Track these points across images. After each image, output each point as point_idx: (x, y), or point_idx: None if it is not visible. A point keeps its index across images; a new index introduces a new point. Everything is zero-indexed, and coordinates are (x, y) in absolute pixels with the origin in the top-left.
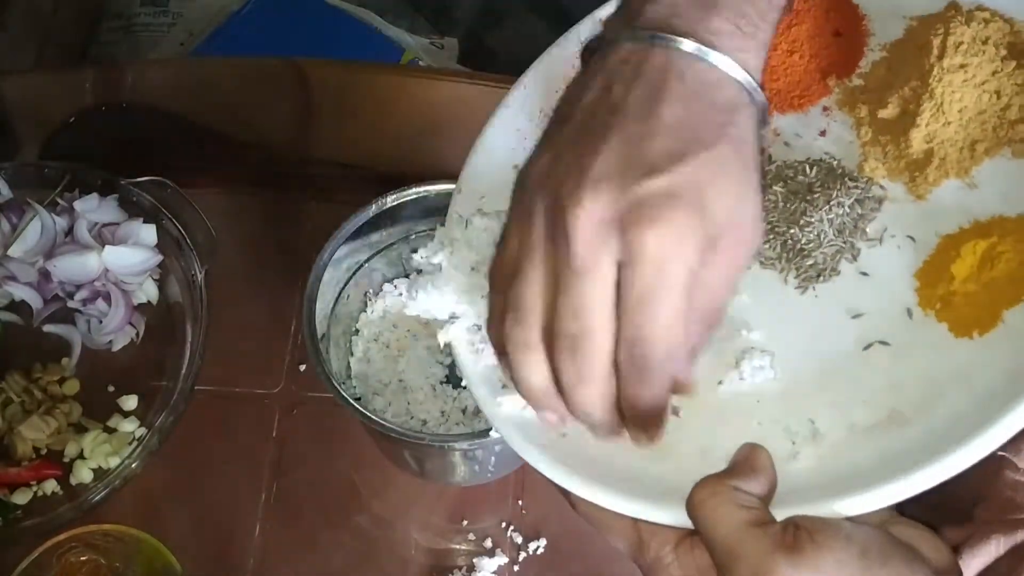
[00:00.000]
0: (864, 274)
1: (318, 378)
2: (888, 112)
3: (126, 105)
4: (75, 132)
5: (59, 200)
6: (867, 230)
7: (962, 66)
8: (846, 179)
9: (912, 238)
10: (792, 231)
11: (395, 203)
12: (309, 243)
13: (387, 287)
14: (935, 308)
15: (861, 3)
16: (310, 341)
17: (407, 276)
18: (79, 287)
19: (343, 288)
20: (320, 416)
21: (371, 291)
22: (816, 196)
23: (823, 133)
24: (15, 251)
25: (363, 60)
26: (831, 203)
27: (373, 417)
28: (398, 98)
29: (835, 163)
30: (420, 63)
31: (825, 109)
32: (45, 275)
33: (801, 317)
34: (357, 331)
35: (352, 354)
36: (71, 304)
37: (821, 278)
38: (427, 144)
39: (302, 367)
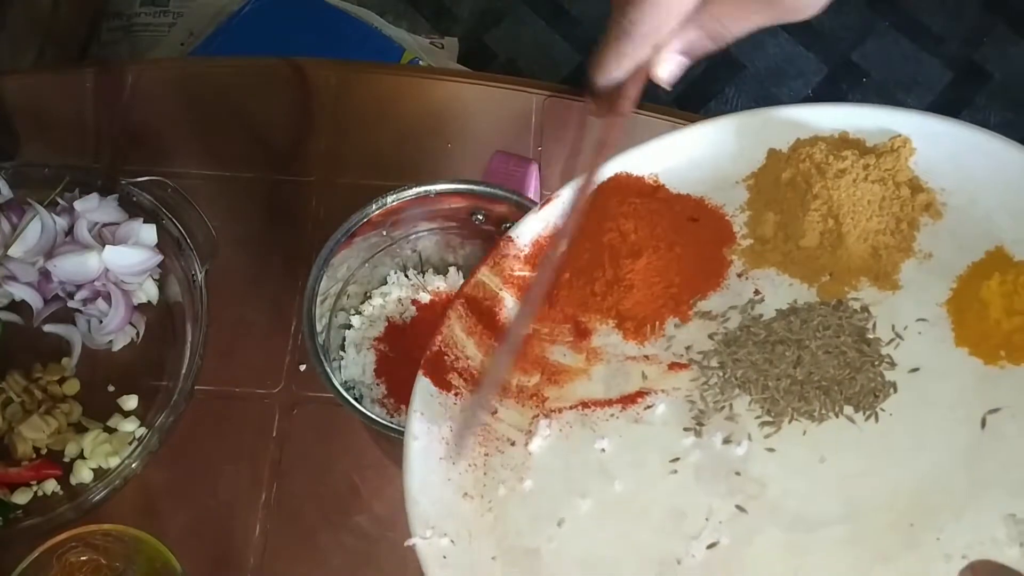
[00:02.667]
0: (915, 369)
1: (318, 378)
2: (808, 240)
3: (126, 105)
4: (75, 132)
5: (59, 200)
6: (880, 337)
7: (839, 174)
8: (819, 307)
9: (925, 319)
10: (815, 374)
11: (395, 203)
12: (309, 243)
13: (385, 287)
14: (1004, 358)
15: (687, 190)
16: (310, 341)
17: (407, 275)
18: (79, 287)
19: (343, 288)
20: (320, 416)
21: (371, 290)
22: (812, 332)
23: (757, 292)
24: (15, 251)
25: (363, 60)
26: (828, 328)
27: (373, 417)
28: (398, 98)
29: (801, 303)
30: (420, 63)
31: (739, 276)
32: (45, 275)
33: (915, 440)
34: (357, 330)
35: (352, 354)
36: (71, 304)
37: (881, 396)
38: (427, 143)
39: (302, 367)
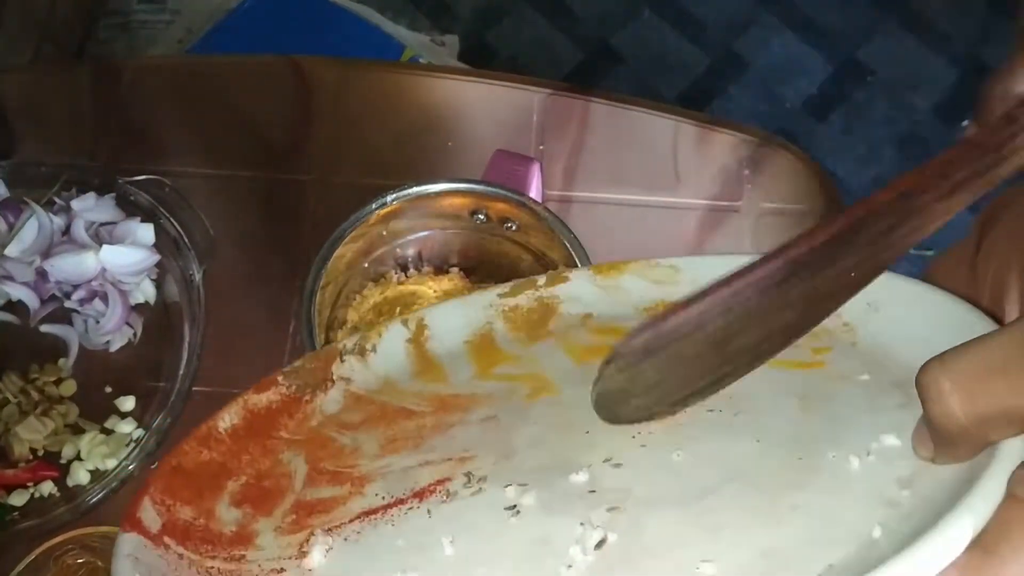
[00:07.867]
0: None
1: None
2: None
3: (123, 103)
4: (72, 130)
5: (56, 199)
6: None
7: None
8: None
9: None
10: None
11: (395, 202)
12: (308, 242)
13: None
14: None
15: None
16: (309, 342)
17: (407, 275)
18: (76, 287)
19: (342, 289)
20: None
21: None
22: None
23: None
24: (11, 250)
25: (363, 57)
26: None
27: None
28: (398, 96)
29: None
30: (420, 60)
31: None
32: (42, 275)
33: (755, 418)
34: (354, 330)
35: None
36: (68, 304)
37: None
38: (427, 142)
39: None
